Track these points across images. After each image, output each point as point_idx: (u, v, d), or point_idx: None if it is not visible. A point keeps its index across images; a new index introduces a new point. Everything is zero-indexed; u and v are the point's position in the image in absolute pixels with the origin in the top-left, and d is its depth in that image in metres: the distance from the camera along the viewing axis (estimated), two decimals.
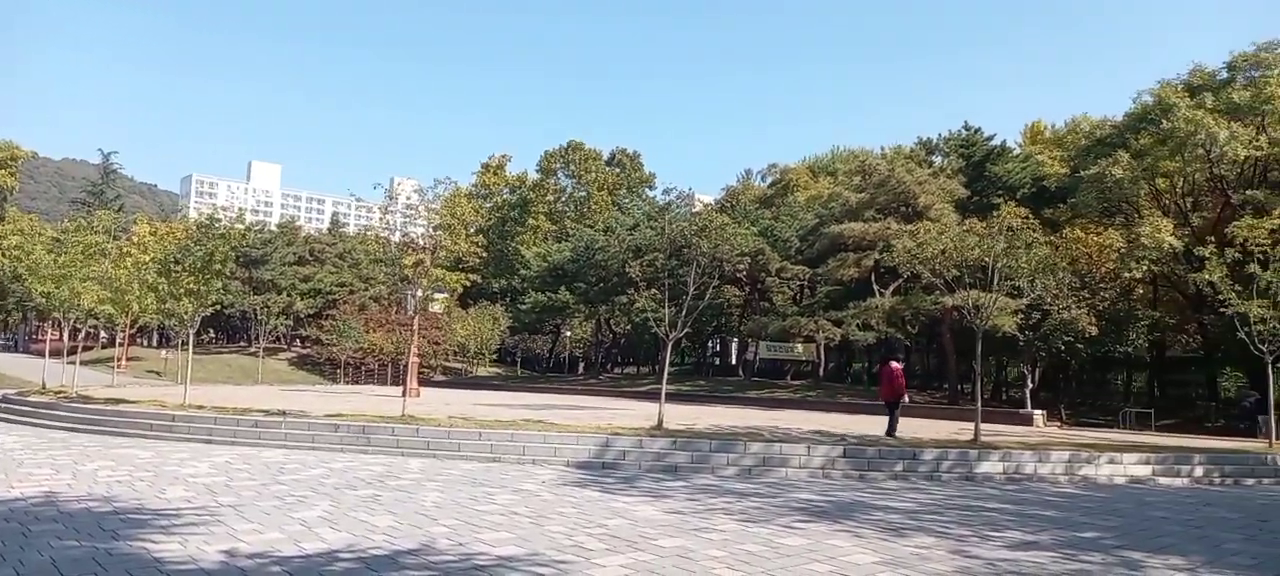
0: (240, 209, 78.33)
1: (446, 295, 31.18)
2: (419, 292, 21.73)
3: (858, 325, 40.34)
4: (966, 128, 51.49)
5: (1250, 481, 16.38)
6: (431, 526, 8.64)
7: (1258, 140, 31.66)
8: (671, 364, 71.64)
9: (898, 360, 20.52)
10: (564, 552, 7.64)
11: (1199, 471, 16.33)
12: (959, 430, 19.93)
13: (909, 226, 31.98)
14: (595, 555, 7.60)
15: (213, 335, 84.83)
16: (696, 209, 63.27)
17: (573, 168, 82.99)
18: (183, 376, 22.84)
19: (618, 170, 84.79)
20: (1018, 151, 51.34)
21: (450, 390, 46.59)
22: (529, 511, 9.73)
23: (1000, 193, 40.53)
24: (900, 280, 38.62)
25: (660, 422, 16.61)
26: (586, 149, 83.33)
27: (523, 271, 63.16)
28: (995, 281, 18.77)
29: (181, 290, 20.70)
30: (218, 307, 26.60)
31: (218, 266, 20.80)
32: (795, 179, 69.77)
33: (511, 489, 11.40)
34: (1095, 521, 10.74)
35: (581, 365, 72.83)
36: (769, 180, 78.90)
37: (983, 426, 18.22)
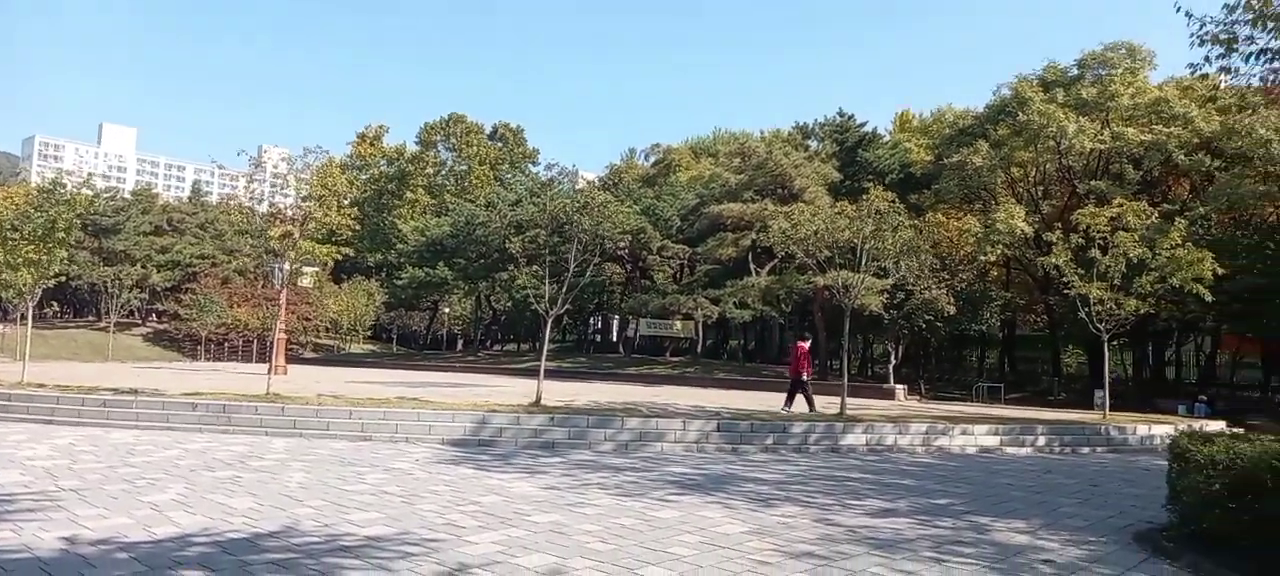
0: (89, 173, 72.82)
1: (317, 269, 30.03)
2: (287, 266, 20.82)
3: (735, 303, 41.28)
4: (841, 115, 53.29)
5: (1085, 449, 17.76)
6: (296, 508, 8.33)
7: (1102, 134, 34.08)
8: (552, 341, 71.45)
9: (805, 339, 21.15)
10: (435, 531, 7.52)
11: (1042, 441, 17.59)
12: (827, 404, 20.73)
13: (785, 208, 32.89)
14: (468, 532, 7.52)
15: (57, 309, 78.89)
16: (580, 186, 63.15)
17: (454, 141, 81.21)
18: (22, 352, 21.15)
19: (500, 145, 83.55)
20: (888, 139, 53.55)
21: (321, 367, 44.97)
22: (400, 490, 9.52)
23: (871, 177, 42.17)
24: (776, 260, 39.74)
25: (538, 399, 16.56)
26: (468, 122, 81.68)
27: (400, 246, 61.51)
28: (863, 262, 19.56)
29: (20, 260, 19.12)
30: (62, 279, 24.67)
31: (61, 234, 19.30)
32: (678, 159, 70.51)
33: (383, 468, 11.13)
34: (948, 489, 11.41)
35: (460, 342, 71.73)
36: (652, 160, 79.49)
37: (849, 400, 19.03)
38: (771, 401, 24.30)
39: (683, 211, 49.92)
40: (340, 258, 21.69)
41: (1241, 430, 15.92)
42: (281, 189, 20.34)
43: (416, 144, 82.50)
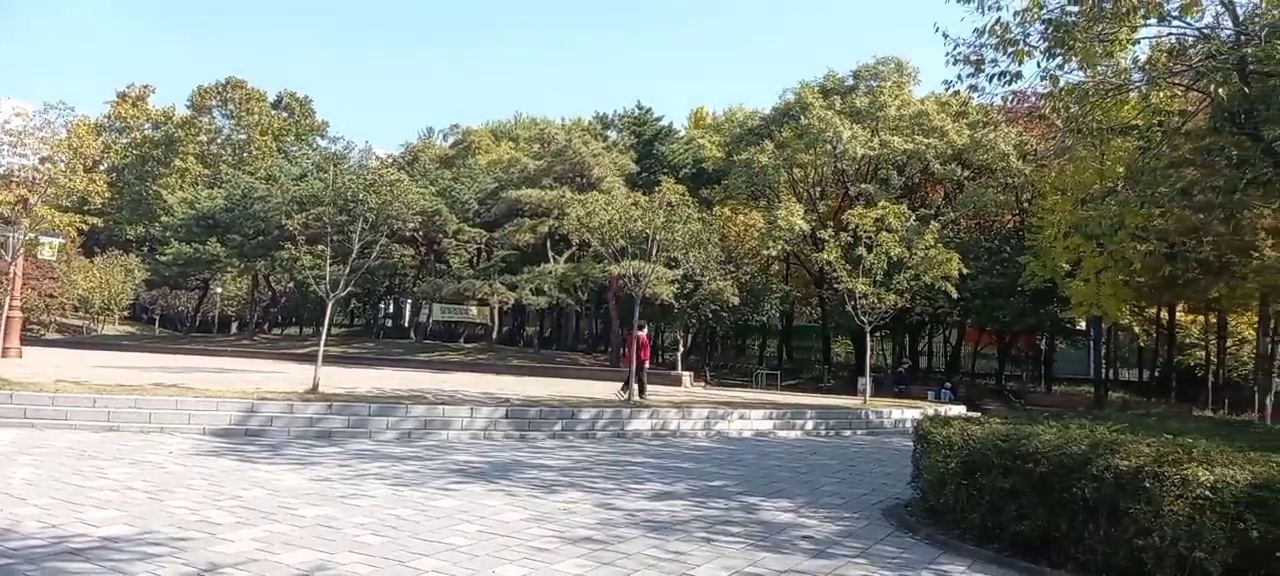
0: None
1: (62, 240, 26.77)
2: (21, 235, 18.38)
3: (532, 290, 41.13)
4: (639, 107, 54.42)
5: (848, 432, 19.24)
6: (18, 507, 7.37)
7: (872, 141, 36.97)
8: (339, 325, 68.23)
9: (641, 329, 21.25)
10: (185, 529, 6.91)
11: (810, 425, 18.86)
12: (618, 391, 21.13)
13: (582, 196, 33.17)
14: (223, 530, 6.97)
15: None
16: (373, 163, 60.39)
17: (232, 107, 75.06)
18: None
19: (286, 115, 78.25)
20: (683, 134, 55.27)
21: (67, 350, 40.29)
22: (148, 485, 8.67)
23: (666, 170, 43.29)
24: (573, 248, 39.99)
25: (315, 386, 15.68)
26: (249, 88, 75.73)
27: (165, 218, 56.01)
28: (654, 252, 20.09)
29: None
30: None
31: None
32: (478, 142, 69.11)
33: (130, 461, 10.09)
34: (723, 471, 11.96)
35: (235, 325, 66.66)
36: (451, 141, 77.41)
37: (634, 386, 19.49)
38: (566, 388, 24.47)
39: (481, 195, 49.05)
40: (84, 228, 19.41)
41: (977, 414, 17.87)
42: (15, 148, 17.91)
43: (188, 107, 75.55)
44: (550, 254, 41.80)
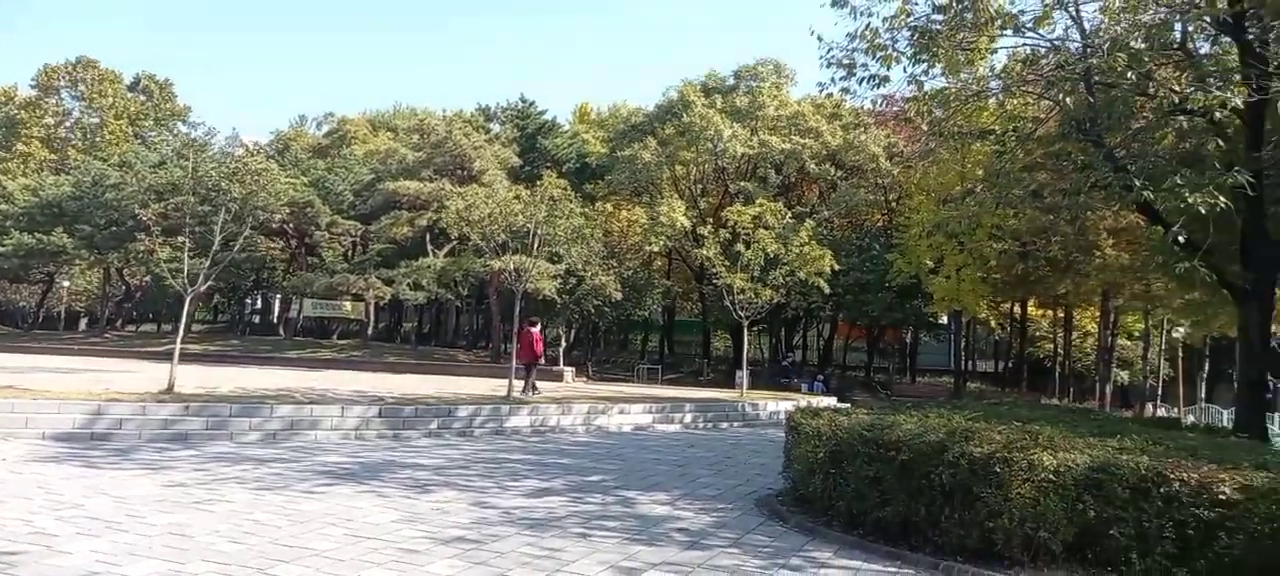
0: None
1: None
2: None
3: (410, 284, 40.06)
4: (523, 100, 53.87)
5: (725, 425, 19.62)
6: None
7: (751, 141, 37.82)
8: (201, 322, 64.62)
9: (533, 324, 20.85)
10: (16, 543, 6.36)
11: (689, 418, 19.13)
12: (496, 387, 20.86)
13: (463, 189, 32.54)
14: (61, 542, 6.45)
15: None
16: (239, 152, 57.40)
17: (83, 89, 69.92)
18: None
19: (144, 98, 73.48)
20: (568, 129, 55.05)
21: None
22: None
23: (550, 165, 43.09)
24: (453, 242, 39.21)
25: (171, 386, 14.76)
26: (102, 68, 70.71)
27: (4, 206, 51.69)
28: (536, 247, 19.89)
29: None
30: None
31: None
32: (354, 131, 66.77)
33: None
34: (602, 466, 11.96)
35: (85, 321, 62.18)
36: (325, 130, 74.50)
37: (519, 383, 19.29)
38: (444, 385, 23.97)
39: (357, 187, 47.42)
40: None
41: (846, 405, 18.55)
42: None
43: (33, 88, 69.85)
44: (429, 248, 40.83)
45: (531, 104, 53.43)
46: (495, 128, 52.19)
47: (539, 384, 20.47)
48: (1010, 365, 43.63)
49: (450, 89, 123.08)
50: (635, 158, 38.35)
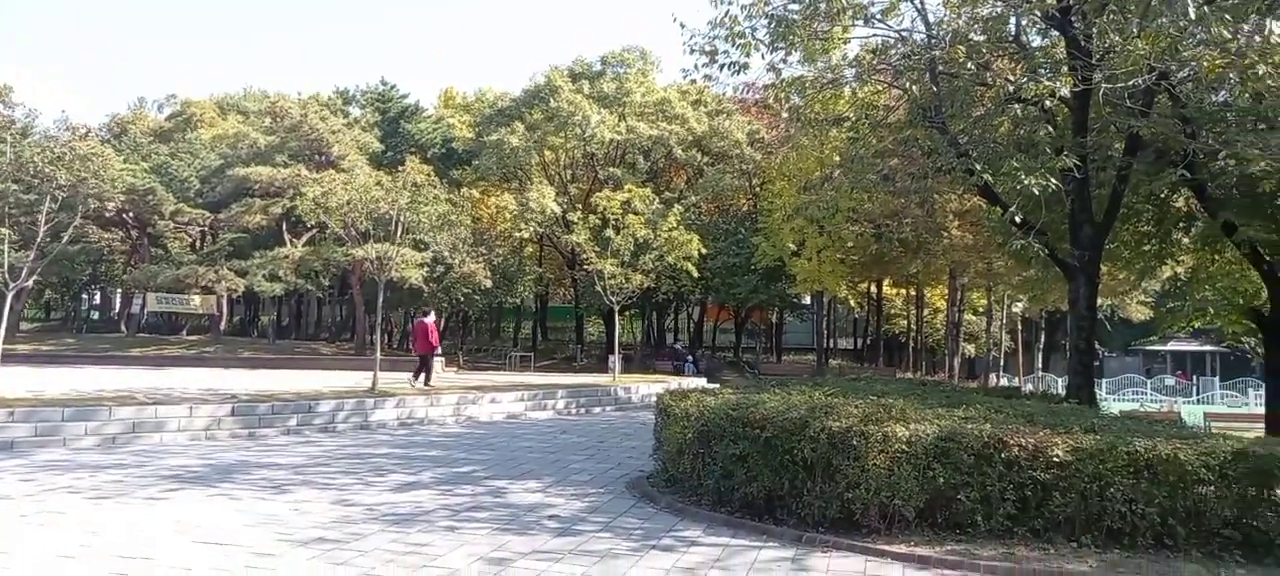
0: None
1: None
2: None
3: (265, 275, 38.09)
4: (384, 84, 52.12)
5: (598, 410, 19.68)
6: None
7: (619, 126, 37.90)
8: (30, 320, 59.35)
9: (428, 316, 20.47)
10: None
11: (562, 404, 19.07)
12: (361, 380, 20.16)
13: (320, 175, 31.19)
14: None
15: None
16: (66, 135, 52.89)
17: None
18: None
19: None
20: (432, 113, 53.60)
21: None
22: None
23: (414, 150, 41.90)
24: (312, 230, 37.58)
25: None
26: None
27: None
28: (400, 234, 19.28)
29: None
30: None
31: None
32: (200, 114, 62.70)
33: None
34: (472, 456, 11.75)
35: None
36: (168, 113, 69.69)
37: (385, 375, 18.71)
38: (305, 380, 22.96)
39: (204, 173, 44.66)
40: None
41: (715, 386, 18.95)
42: None
43: None
44: (286, 237, 38.96)
45: (393, 87, 51.80)
46: (355, 112, 50.28)
47: (403, 376, 19.92)
48: (868, 342, 45.74)
49: (306, 73, 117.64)
50: (503, 143, 37.74)
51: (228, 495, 8.62)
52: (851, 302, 44.74)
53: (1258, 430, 12.84)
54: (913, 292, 40.35)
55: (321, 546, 6.67)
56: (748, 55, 11.43)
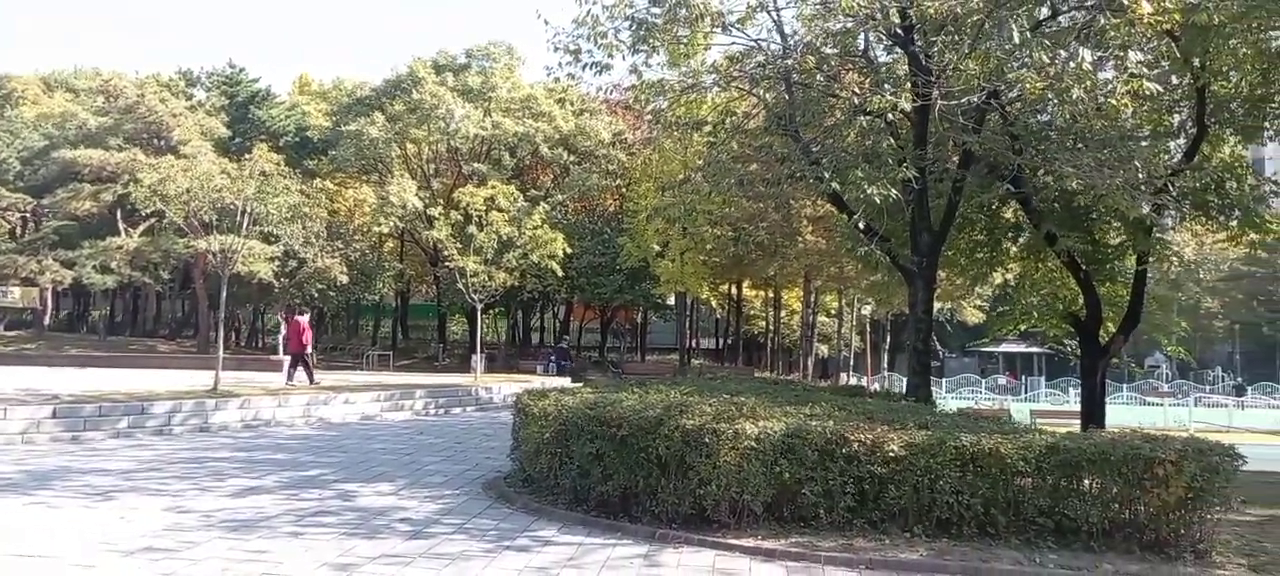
0: None
1: None
2: None
3: (95, 267, 35.33)
4: (232, 66, 49.39)
5: (458, 410, 19.34)
6: None
7: (484, 121, 37.36)
8: None
9: (302, 314, 20.43)
10: None
11: (420, 404, 18.63)
12: (203, 379, 18.99)
13: (157, 160, 29.18)
14: None
15: None
16: None
17: None
18: None
19: None
20: (285, 100, 51.14)
21: None
22: None
23: (265, 137, 39.84)
24: (152, 220, 35.12)
25: None
26: None
27: None
28: (246, 225, 18.28)
29: None
30: None
31: None
32: (22, 90, 57.40)
33: None
34: (321, 459, 11.30)
35: None
36: None
37: (234, 374, 17.77)
38: (139, 379, 21.43)
39: (26, 154, 40.95)
40: None
41: (579, 384, 18.99)
42: None
43: None
44: (121, 225, 36.23)
45: (241, 71, 49.14)
46: (199, 95, 47.34)
47: (252, 377, 18.99)
48: (729, 342, 46.97)
49: (145, 54, 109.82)
50: (362, 133, 36.48)
51: (46, 504, 7.97)
52: (713, 303, 45.79)
53: (1075, 426, 14.04)
54: (771, 294, 41.70)
55: (149, 556, 6.26)
56: (610, 56, 11.51)
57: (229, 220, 18.14)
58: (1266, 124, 13.49)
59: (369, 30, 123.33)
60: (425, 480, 9.91)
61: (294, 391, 17.00)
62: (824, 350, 44.86)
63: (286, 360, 21.78)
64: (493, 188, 25.09)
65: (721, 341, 50.17)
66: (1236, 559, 6.76)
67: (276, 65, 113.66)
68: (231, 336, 43.41)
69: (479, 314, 24.93)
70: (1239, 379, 51.22)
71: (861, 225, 10.83)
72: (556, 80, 14.87)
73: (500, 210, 24.00)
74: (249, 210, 17.50)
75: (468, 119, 36.21)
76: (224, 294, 17.33)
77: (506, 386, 22.18)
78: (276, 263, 30.45)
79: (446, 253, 24.10)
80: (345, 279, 34.39)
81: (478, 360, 25.60)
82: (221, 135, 39.50)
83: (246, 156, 19.07)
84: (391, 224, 36.10)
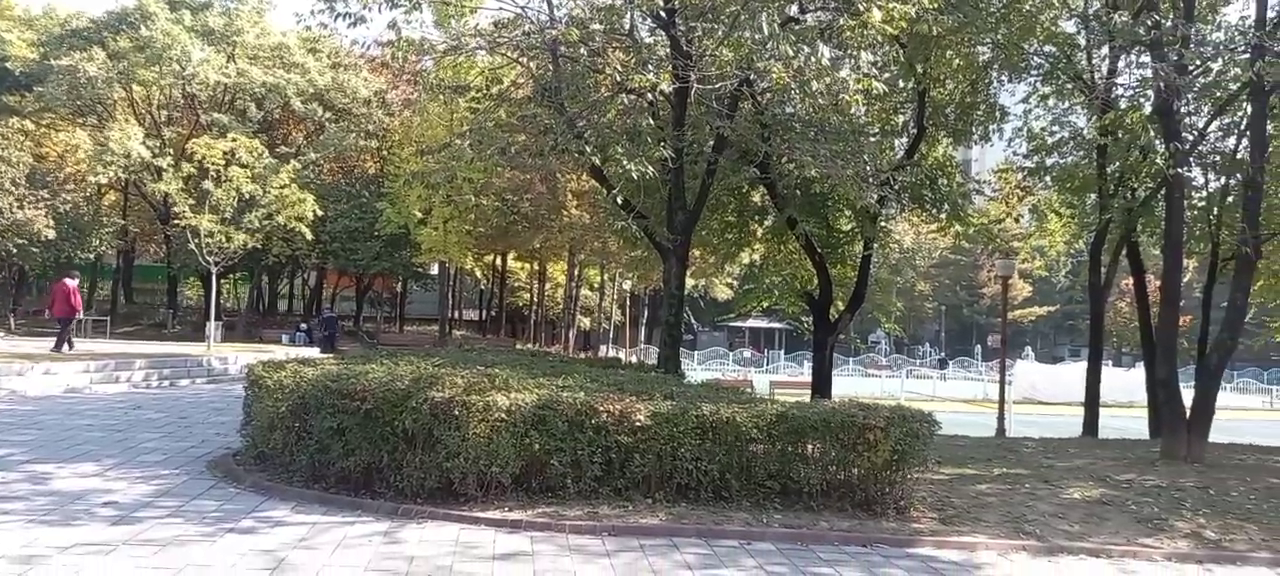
0: None
1: None
2: None
3: None
4: None
5: (186, 382, 17.63)
6: None
7: (228, 68, 34.12)
8: None
9: (72, 278, 19.21)
10: None
11: (139, 376, 16.79)
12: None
13: None
14: None
15: None
16: None
17: None
18: None
19: None
20: None
21: None
22: None
23: None
24: None
25: None
26: None
27: None
28: None
29: None
30: None
31: None
32: None
33: None
34: (10, 437, 9.84)
35: None
36: None
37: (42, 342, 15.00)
38: None
39: None
40: None
41: (330, 355, 17.97)
42: None
43: None
44: None
45: None
46: None
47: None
48: (493, 313, 46.56)
49: None
50: (78, 70, 32.03)
51: None
52: (478, 274, 45.16)
53: (807, 396, 15.28)
54: (536, 267, 41.78)
55: None
56: (366, 8, 10.88)
57: None
58: (974, 128, 15.38)
59: None
60: (139, 459, 8.91)
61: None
62: (586, 323, 45.66)
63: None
64: (233, 140, 22.99)
65: (485, 313, 49.66)
66: (929, 513, 7.62)
67: None
68: None
69: (215, 278, 22.87)
70: (942, 354, 58.52)
71: (621, 200, 11.03)
72: (308, 28, 13.88)
73: (242, 166, 22.07)
74: None
75: (207, 63, 32.93)
76: None
77: (245, 356, 20.49)
78: None
79: (178, 209, 21.82)
80: (52, 234, 30.17)
81: (212, 328, 23.49)
82: None
83: None
84: (112, 174, 32.05)
